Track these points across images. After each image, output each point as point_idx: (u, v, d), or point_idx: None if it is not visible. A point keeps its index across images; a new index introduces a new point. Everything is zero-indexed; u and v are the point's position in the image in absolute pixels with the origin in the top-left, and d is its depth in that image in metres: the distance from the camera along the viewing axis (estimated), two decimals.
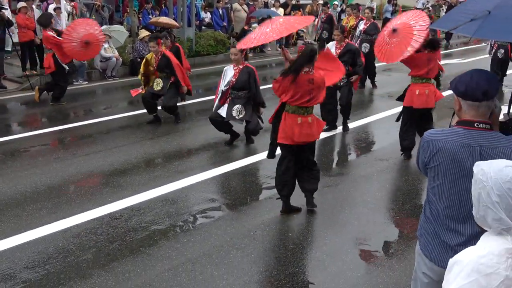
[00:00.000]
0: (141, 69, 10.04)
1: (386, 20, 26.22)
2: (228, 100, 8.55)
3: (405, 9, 29.69)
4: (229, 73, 8.55)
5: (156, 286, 4.74)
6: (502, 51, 13.05)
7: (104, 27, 14.56)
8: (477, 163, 2.32)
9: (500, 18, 3.29)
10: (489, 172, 2.22)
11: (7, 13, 13.25)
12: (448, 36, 23.33)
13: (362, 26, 13.56)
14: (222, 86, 8.61)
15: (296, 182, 6.33)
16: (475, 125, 2.93)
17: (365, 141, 9.33)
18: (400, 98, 8.21)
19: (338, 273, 5.04)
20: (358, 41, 13.22)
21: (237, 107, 8.40)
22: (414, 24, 7.30)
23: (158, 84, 9.81)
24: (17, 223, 5.86)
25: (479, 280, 2.16)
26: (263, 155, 8.23)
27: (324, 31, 17.48)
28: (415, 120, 8.02)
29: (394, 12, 27.65)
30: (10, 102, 11.54)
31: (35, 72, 13.51)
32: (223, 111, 8.50)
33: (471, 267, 2.19)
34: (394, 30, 7.39)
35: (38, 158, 8.02)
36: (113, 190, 6.84)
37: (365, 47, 12.90)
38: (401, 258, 5.29)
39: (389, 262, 5.25)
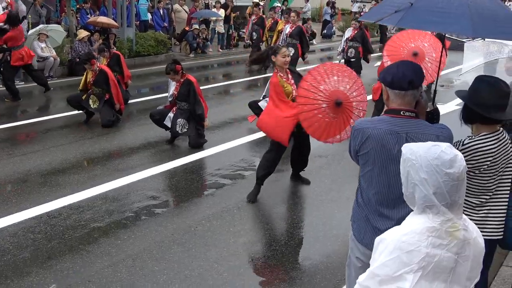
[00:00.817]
0: (81, 86, 10.01)
1: (325, 23, 26.79)
2: (174, 109, 8.69)
3: (344, 12, 30.44)
4: (172, 85, 8.80)
5: (96, 282, 4.71)
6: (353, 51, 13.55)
7: (41, 26, 14.31)
8: (405, 144, 2.44)
9: (421, 10, 3.50)
10: (417, 151, 2.34)
11: None
12: (383, 37, 23.93)
13: (288, 29, 13.78)
14: (168, 96, 8.92)
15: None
16: (402, 113, 3.08)
17: None
18: None
19: (278, 265, 5.15)
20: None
21: (179, 121, 8.55)
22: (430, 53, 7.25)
23: (94, 102, 9.73)
24: None
25: (401, 257, 2.29)
26: (203, 153, 8.33)
27: (254, 33, 17.54)
28: None
29: (333, 15, 28.26)
30: None
31: None
32: (168, 120, 8.65)
33: (393, 244, 2.32)
34: (415, 54, 7.16)
35: None
36: (51, 189, 6.74)
37: (290, 51, 13.09)
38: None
39: (328, 253, 5.40)
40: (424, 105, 3.34)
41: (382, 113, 3.24)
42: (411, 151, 2.36)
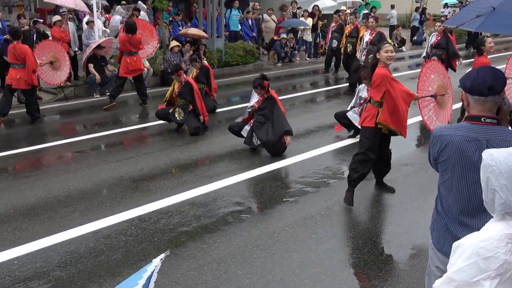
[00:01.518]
0: (167, 96, 10.47)
1: (414, 29, 26.22)
2: (252, 121, 8.92)
3: (435, 17, 29.67)
4: (254, 97, 8.99)
5: (182, 284, 4.90)
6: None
7: None
8: (486, 150, 2.43)
9: (504, 14, 3.41)
10: (498, 157, 2.32)
11: (42, 26, 13.74)
12: (474, 43, 23.10)
13: (367, 36, 13.39)
14: (248, 107, 9.12)
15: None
16: (482, 119, 3.03)
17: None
18: None
19: (360, 273, 5.14)
20: (365, 53, 13.01)
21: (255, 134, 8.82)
22: None
23: (179, 114, 10.12)
24: (50, 225, 6.11)
25: (479, 263, 2.26)
26: (288, 160, 8.42)
27: (334, 40, 17.06)
28: None
29: (423, 21, 27.60)
30: (45, 112, 11.91)
31: (69, 83, 13.90)
32: (245, 131, 8.96)
33: (471, 250, 2.30)
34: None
35: (72, 165, 8.30)
36: (143, 194, 7.06)
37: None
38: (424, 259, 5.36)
39: (411, 262, 5.33)
40: (506, 112, 3.26)
41: (463, 119, 3.20)
42: (491, 156, 2.34)
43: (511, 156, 2.30)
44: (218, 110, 11.89)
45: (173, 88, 10.30)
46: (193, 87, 10.13)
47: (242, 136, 9.02)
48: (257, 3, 21.17)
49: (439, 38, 13.14)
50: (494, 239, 2.28)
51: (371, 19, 13.66)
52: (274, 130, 8.58)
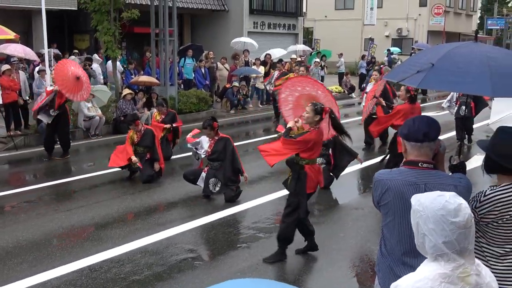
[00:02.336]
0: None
1: (362, 76, 27.04)
2: (206, 169, 8.92)
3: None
4: (205, 143, 9.03)
5: None
6: (464, 107, 12.80)
7: None
8: (414, 195, 2.55)
9: (442, 70, 3.59)
10: (424, 202, 2.45)
11: None
12: (424, 89, 23.99)
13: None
14: (202, 151, 9.07)
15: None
16: (420, 164, 3.21)
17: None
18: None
19: None
20: None
21: (212, 180, 8.78)
22: None
23: (135, 164, 9.96)
24: None
25: None
26: (241, 206, 8.48)
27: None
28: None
29: (369, 70, 28.51)
30: None
31: (19, 133, 13.72)
32: (201, 181, 8.91)
33: None
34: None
35: (21, 215, 8.15)
36: (93, 243, 6.98)
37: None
38: None
39: None
40: (443, 156, 3.44)
41: (401, 164, 3.36)
42: (419, 202, 2.47)
43: (436, 201, 2.42)
44: (172, 157, 11.89)
45: (132, 139, 10.19)
46: (154, 134, 10.15)
47: (197, 184, 9.03)
48: (211, 52, 21.53)
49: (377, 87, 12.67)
50: (429, 279, 2.39)
51: (302, 68, 13.74)
52: (232, 167, 8.72)
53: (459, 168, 3.79)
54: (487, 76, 3.52)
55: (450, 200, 2.41)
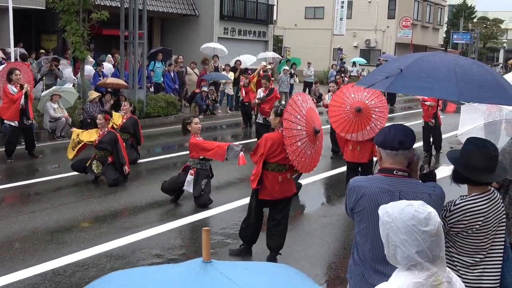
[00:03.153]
0: (82, 136, 10.11)
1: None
2: (192, 171, 8.64)
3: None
4: None
5: None
6: (432, 119, 13.07)
7: (54, 87, 14.70)
8: (381, 206, 2.52)
9: (409, 75, 3.67)
10: (393, 213, 2.42)
11: None
12: (392, 100, 24.28)
13: (261, 94, 13.37)
14: None
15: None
16: (394, 172, 3.22)
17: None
18: None
19: None
20: None
21: (204, 181, 8.64)
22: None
23: (97, 167, 9.86)
24: None
25: None
26: (209, 212, 8.41)
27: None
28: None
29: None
30: None
31: None
32: (188, 185, 8.61)
33: None
34: (359, 110, 8.21)
35: None
36: (58, 247, 6.83)
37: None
38: None
39: None
40: (416, 164, 3.47)
41: (376, 172, 3.37)
42: (387, 213, 2.44)
43: (405, 211, 2.39)
44: (139, 161, 11.75)
45: (90, 135, 10.03)
46: (117, 136, 10.00)
47: (179, 193, 8.87)
48: (180, 56, 21.41)
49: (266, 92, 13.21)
50: None
51: (263, 81, 13.62)
52: None
53: (430, 177, 3.83)
54: (453, 82, 3.60)
55: (419, 209, 2.39)
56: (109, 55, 20.77)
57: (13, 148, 11.74)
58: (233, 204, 8.87)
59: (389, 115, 18.90)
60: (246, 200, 8.89)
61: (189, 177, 8.61)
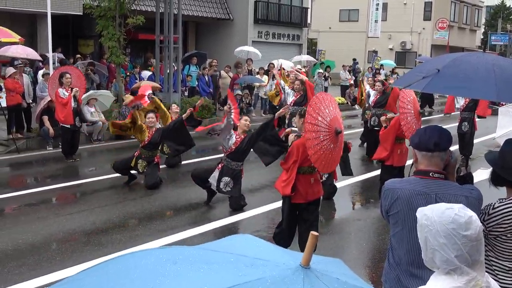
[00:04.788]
0: (128, 121, 10.02)
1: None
2: (220, 166, 8.65)
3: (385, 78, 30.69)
4: (233, 137, 8.61)
5: None
6: (466, 123, 12.80)
7: (91, 91, 14.94)
8: (420, 209, 2.45)
9: (447, 76, 3.60)
10: (432, 217, 2.35)
11: None
12: (430, 101, 23.89)
13: (291, 97, 12.59)
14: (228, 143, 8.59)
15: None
16: (431, 174, 3.16)
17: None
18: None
19: None
20: None
21: (224, 179, 8.52)
22: None
23: (142, 166, 9.97)
24: None
25: None
26: (243, 215, 8.42)
27: None
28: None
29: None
30: None
31: (20, 136, 13.69)
32: (213, 179, 8.59)
33: None
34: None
35: (21, 218, 8.10)
36: (94, 248, 6.92)
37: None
38: None
39: None
40: (453, 166, 3.40)
41: (412, 174, 3.32)
42: (426, 216, 2.37)
43: (445, 214, 2.33)
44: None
45: (139, 127, 9.95)
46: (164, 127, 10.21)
47: (206, 185, 8.80)
48: (215, 60, 21.52)
49: (378, 96, 12.82)
50: None
51: (297, 82, 12.67)
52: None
53: (467, 179, 3.75)
54: (492, 82, 3.52)
55: (460, 213, 2.32)
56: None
57: (68, 148, 12.14)
58: (267, 207, 8.87)
59: (427, 117, 18.60)
60: (280, 203, 8.89)
61: (216, 171, 8.61)
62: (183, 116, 10.22)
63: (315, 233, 1.78)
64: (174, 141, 10.10)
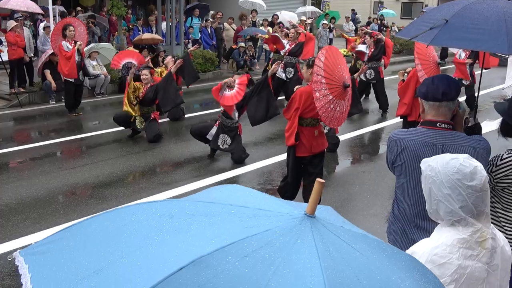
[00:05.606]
0: (126, 100, 9.93)
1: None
2: (217, 123, 8.69)
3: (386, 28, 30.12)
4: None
5: None
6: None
7: (92, 44, 14.74)
8: (424, 160, 2.39)
9: (456, 27, 3.44)
10: (436, 167, 2.29)
11: None
12: (444, 54, 23.49)
13: (286, 47, 12.79)
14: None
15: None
16: (438, 125, 3.07)
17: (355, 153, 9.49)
18: None
19: None
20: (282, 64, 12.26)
21: (222, 136, 8.57)
22: None
23: (141, 123, 9.95)
24: (1, 233, 5.92)
25: (434, 270, 2.24)
26: (246, 168, 8.39)
27: None
28: None
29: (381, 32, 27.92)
30: None
31: (23, 90, 13.59)
32: (211, 135, 8.66)
33: (425, 258, 2.28)
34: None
35: (25, 172, 8.09)
36: (98, 201, 6.93)
37: (289, 72, 12.60)
38: None
39: None
40: (461, 116, 3.31)
41: (419, 124, 3.23)
42: (430, 167, 2.31)
43: (449, 165, 2.27)
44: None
45: (137, 92, 9.95)
46: (159, 82, 10.03)
47: (207, 141, 8.83)
48: (219, 12, 21.16)
49: (372, 50, 12.69)
50: (447, 245, 2.28)
51: (292, 30, 13.01)
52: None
53: (475, 130, 3.68)
54: (503, 33, 3.37)
55: (465, 163, 2.26)
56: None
57: (72, 102, 12.09)
58: (270, 160, 8.83)
59: (441, 68, 18.35)
60: (283, 156, 8.86)
61: (214, 128, 8.66)
62: (171, 69, 10.05)
63: (321, 180, 1.71)
64: (164, 97, 9.92)
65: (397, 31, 26.79)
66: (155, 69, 11.36)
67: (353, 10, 31.28)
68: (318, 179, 1.71)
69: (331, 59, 5.84)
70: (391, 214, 3.36)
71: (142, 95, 9.90)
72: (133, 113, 9.94)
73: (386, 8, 30.91)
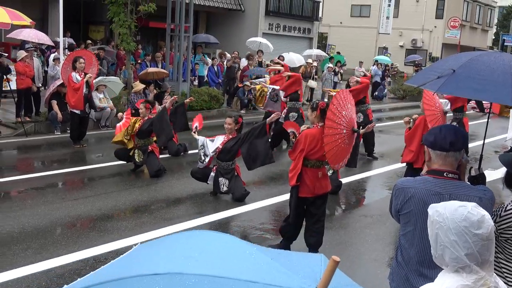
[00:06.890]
0: (126, 132, 10.11)
1: (376, 84, 26.73)
2: (214, 168, 8.82)
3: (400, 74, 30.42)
4: (218, 140, 8.82)
5: None
6: (456, 124, 11.89)
7: (99, 78, 14.91)
8: (432, 205, 2.43)
9: (462, 77, 3.55)
10: (444, 213, 2.33)
11: (6, 60, 13.62)
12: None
13: (281, 93, 12.79)
14: (210, 150, 8.79)
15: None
16: (445, 174, 3.12)
17: (355, 198, 9.51)
18: None
19: None
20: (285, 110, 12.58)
21: (221, 180, 8.71)
22: None
23: (139, 156, 10.03)
24: (2, 262, 5.91)
25: None
26: (249, 206, 8.41)
27: None
28: None
29: (385, 77, 28.15)
30: (3, 146, 11.69)
31: (28, 119, 13.70)
32: (211, 180, 8.82)
33: None
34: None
35: (27, 201, 8.11)
36: (99, 234, 6.93)
37: (293, 116, 12.61)
38: None
39: None
40: (465, 166, 3.37)
41: (424, 173, 3.28)
42: (438, 213, 2.35)
43: (458, 212, 2.31)
44: (181, 153, 11.84)
45: (133, 127, 10.10)
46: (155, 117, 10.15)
47: (207, 183, 8.94)
48: (235, 52, 21.39)
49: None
50: None
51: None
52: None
53: (479, 179, 3.73)
54: (508, 85, 3.46)
55: (473, 211, 2.30)
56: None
57: (77, 134, 12.19)
58: (272, 199, 8.86)
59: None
60: (286, 196, 8.88)
61: (212, 173, 8.81)
62: (166, 104, 10.29)
63: (337, 258, 1.74)
64: (159, 130, 10.04)
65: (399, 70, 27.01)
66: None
67: (385, 47, 31.40)
68: (333, 257, 1.73)
69: (345, 103, 6.06)
70: (394, 261, 3.38)
71: (139, 127, 10.02)
72: (128, 145, 10.07)
73: (390, 55, 31.28)
